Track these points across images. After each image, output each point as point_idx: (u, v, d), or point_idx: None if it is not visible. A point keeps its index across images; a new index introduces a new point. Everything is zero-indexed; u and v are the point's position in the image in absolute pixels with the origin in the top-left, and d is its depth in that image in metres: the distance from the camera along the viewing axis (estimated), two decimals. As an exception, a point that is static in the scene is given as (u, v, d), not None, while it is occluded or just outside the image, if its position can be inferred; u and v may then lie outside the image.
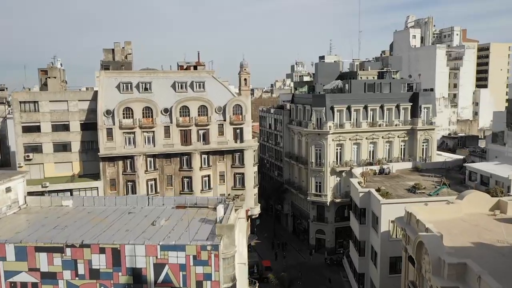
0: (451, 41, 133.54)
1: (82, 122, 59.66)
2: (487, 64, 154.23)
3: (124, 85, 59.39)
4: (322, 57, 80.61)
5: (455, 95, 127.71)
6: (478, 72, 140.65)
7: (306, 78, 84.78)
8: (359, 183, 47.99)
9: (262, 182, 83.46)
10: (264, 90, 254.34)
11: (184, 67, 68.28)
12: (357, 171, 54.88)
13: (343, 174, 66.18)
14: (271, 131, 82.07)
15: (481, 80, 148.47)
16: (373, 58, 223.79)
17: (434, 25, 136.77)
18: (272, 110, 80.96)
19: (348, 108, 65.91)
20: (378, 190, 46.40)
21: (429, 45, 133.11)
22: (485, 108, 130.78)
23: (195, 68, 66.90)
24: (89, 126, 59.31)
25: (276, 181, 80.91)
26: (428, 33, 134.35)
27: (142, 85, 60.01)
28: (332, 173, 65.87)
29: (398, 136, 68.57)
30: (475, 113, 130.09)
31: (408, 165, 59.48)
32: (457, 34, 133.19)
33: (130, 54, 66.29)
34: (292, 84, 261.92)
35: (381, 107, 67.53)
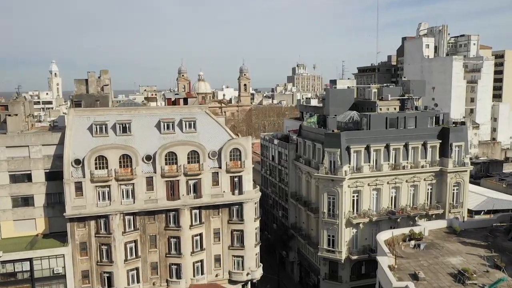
0: (467, 51, 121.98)
1: (47, 171, 48.66)
2: (501, 72, 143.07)
3: (98, 126, 48.24)
4: (333, 81, 69.15)
5: (472, 110, 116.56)
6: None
7: (313, 102, 73.76)
8: (390, 267, 37.04)
9: (263, 218, 72.51)
10: (264, 95, 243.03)
11: (172, 99, 56.86)
12: (382, 237, 43.99)
13: (361, 225, 55.33)
14: (275, 164, 71.00)
15: (495, 90, 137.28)
16: (379, 63, 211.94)
17: (449, 34, 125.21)
18: (275, 141, 69.80)
19: (367, 148, 54.87)
20: (415, 277, 35.68)
21: (443, 55, 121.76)
22: (504, 124, 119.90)
23: (185, 101, 55.61)
24: (56, 175, 48.27)
25: (280, 223, 70.01)
26: (442, 42, 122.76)
27: (119, 126, 48.81)
28: (347, 225, 54.96)
29: (424, 179, 57.57)
30: (493, 129, 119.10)
31: (442, 224, 48.59)
32: (474, 44, 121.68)
33: (107, 85, 55.07)
34: (293, 89, 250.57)
35: (405, 145, 56.50)
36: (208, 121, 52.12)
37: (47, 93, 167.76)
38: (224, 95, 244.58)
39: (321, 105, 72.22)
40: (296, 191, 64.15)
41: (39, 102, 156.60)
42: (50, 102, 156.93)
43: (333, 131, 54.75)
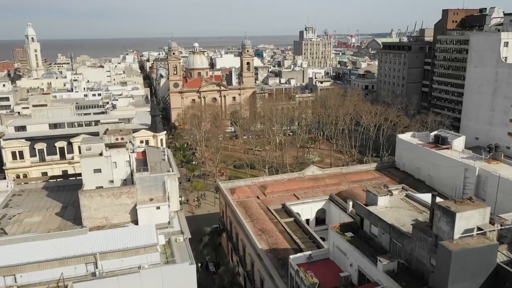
0: None
1: None
2: None
3: None
4: (445, 211, 32.89)
5: None
6: None
7: (381, 201, 39.85)
8: None
9: None
10: (270, 70, 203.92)
11: None
12: None
13: None
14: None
15: None
16: (410, 40, 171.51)
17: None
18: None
19: None
20: None
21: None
22: None
23: None
24: None
25: None
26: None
27: None
28: None
29: None
30: None
31: None
32: None
33: None
34: (304, 64, 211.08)
35: None
36: None
37: (4, 85, 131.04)
38: (221, 73, 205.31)
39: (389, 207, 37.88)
40: None
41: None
42: (6, 99, 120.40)
43: None
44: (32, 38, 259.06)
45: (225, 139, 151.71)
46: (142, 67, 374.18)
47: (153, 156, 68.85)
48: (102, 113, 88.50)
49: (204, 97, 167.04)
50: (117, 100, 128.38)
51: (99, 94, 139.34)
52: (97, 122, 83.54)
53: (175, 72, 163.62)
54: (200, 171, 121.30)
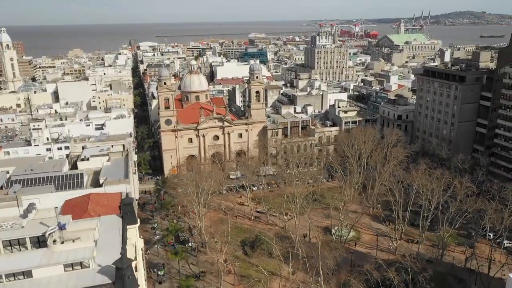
0: None
1: None
2: None
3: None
4: None
5: None
6: None
7: None
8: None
9: None
10: (281, 92, 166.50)
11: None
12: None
13: None
14: None
15: None
16: (461, 66, 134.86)
17: None
18: None
19: None
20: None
21: None
22: None
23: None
24: None
25: None
26: None
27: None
28: None
29: None
30: None
31: None
32: None
33: None
34: (322, 86, 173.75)
35: None
36: None
37: None
38: (222, 88, 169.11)
39: None
40: None
41: None
42: None
43: None
44: (7, 45, 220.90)
45: (229, 191, 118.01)
46: (136, 67, 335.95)
47: None
48: (44, 244, 52.97)
49: (203, 136, 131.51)
50: (88, 159, 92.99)
51: (67, 147, 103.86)
52: (29, 273, 48.61)
53: (167, 106, 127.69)
54: (197, 261, 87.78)
